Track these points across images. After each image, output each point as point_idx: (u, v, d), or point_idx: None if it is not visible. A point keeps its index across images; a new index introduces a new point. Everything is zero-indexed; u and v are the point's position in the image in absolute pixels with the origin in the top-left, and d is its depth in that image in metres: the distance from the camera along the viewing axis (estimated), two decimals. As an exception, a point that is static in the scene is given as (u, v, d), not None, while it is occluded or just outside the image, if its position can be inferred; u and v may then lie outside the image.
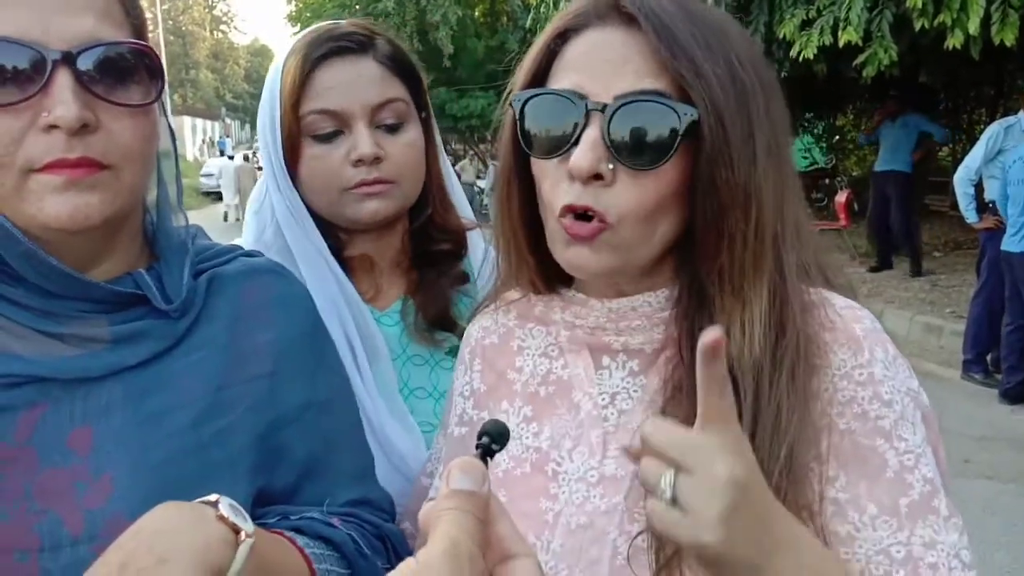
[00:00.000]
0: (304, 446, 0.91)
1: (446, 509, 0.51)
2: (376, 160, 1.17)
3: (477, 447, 0.58)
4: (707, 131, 0.75)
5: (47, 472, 0.76)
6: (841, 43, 6.24)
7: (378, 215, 1.20)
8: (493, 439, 0.59)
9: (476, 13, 17.55)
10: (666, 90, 0.76)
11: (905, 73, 7.45)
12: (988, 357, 5.97)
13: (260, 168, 1.39)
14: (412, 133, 1.23)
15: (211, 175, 25.01)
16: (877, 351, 0.79)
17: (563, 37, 0.82)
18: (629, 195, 0.77)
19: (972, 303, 6.07)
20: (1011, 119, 6.12)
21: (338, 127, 1.18)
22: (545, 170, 0.82)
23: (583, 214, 0.78)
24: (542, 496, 0.84)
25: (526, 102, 0.82)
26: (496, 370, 0.96)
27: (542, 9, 9.71)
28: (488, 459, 0.57)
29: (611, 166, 0.77)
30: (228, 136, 50.28)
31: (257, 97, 1.27)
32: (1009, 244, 5.44)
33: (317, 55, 1.18)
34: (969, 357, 6.00)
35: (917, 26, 5.83)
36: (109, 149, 0.77)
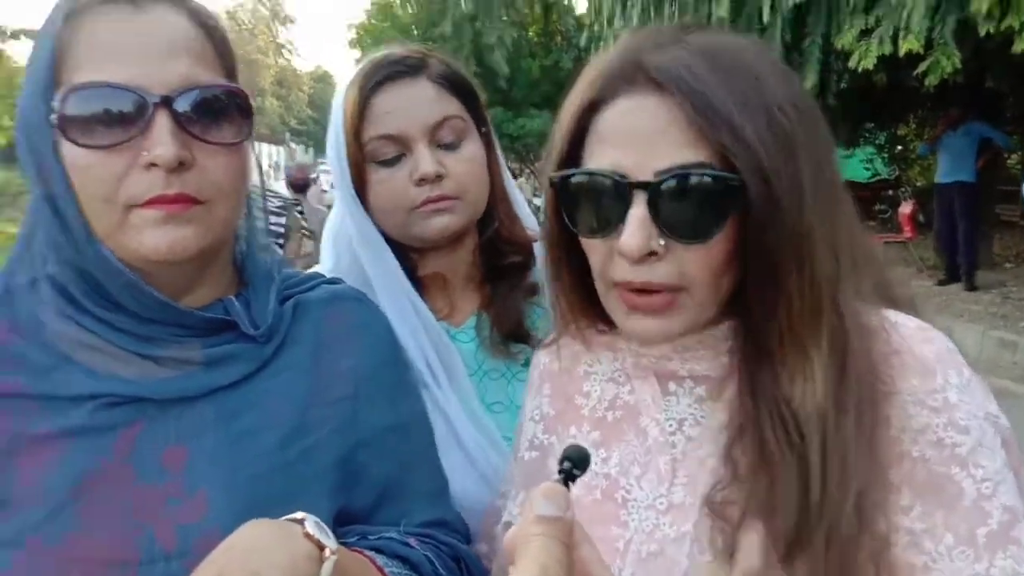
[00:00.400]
0: (382, 468, 0.94)
1: (534, 535, 0.53)
2: (439, 178, 1.20)
3: (560, 472, 0.59)
4: (754, 194, 0.72)
5: (143, 488, 0.80)
6: (902, 52, 6.07)
7: (447, 231, 1.22)
8: (575, 464, 0.60)
9: (530, 33, 17.68)
10: (707, 159, 0.73)
11: (970, 79, 7.19)
12: (1067, 373, 5.73)
13: (324, 190, 1.42)
14: (472, 148, 1.25)
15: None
16: (951, 375, 0.76)
17: (593, 107, 0.79)
18: (685, 265, 0.76)
19: (1047, 317, 5.83)
20: (1084, 125, 5.88)
21: (400, 151, 1.21)
22: (593, 247, 0.81)
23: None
24: (612, 523, 0.84)
25: (564, 182, 0.80)
26: (565, 395, 0.96)
27: (595, 28, 9.71)
28: (570, 484, 0.59)
29: (662, 242, 0.75)
30: (293, 160, 51.19)
31: (320, 122, 1.30)
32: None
33: (372, 83, 1.21)
34: (1046, 373, 5.77)
35: (982, 31, 5.63)
36: (203, 185, 0.82)
